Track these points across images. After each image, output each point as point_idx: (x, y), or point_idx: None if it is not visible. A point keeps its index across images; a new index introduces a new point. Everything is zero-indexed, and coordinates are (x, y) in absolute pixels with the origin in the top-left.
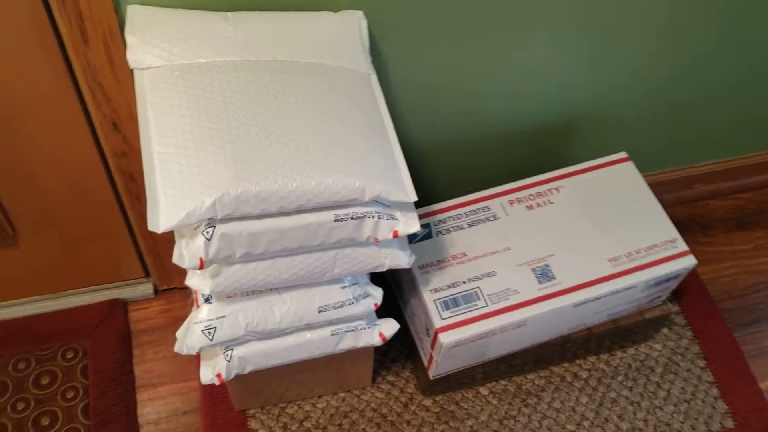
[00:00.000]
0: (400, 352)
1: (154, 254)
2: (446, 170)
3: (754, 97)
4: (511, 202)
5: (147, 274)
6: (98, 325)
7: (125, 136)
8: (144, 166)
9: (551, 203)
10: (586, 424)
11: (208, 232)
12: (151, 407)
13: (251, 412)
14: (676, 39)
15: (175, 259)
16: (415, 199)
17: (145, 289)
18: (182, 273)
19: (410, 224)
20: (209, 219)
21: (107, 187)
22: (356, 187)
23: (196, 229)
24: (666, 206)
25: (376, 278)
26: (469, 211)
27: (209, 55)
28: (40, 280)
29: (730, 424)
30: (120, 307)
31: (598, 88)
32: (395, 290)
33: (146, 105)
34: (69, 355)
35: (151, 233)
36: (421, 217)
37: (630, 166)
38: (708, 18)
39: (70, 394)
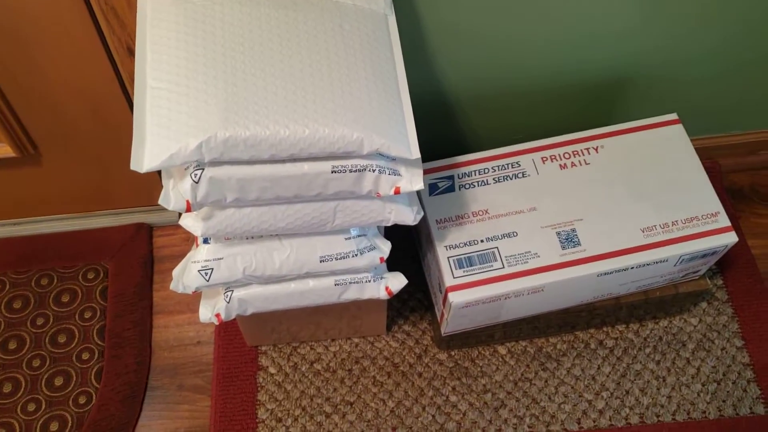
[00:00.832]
0: (420, 302)
1: None
2: (479, 123)
3: None
4: (543, 159)
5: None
6: (121, 247)
7: None
8: (135, 99)
9: (587, 164)
10: (605, 394)
11: (195, 175)
12: (166, 334)
13: (263, 348)
14: None
15: (161, 200)
16: (418, 156)
17: (171, 215)
18: None
19: (414, 181)
20: (197, 161)
21: (127, 111)
22: (353, 139)
23: (186, 170)
24: (726, 172)
25: (400, 226)
26: (497, 166)
27: None
28: (67, 200)
29: (761, 410)
30: (145, 231)
31: (656, 39)
32: (416, 241)
33: (145, 35)
34: (90, 276)
35: None
36: (444, 168)
37: (679, 129)
38: None
39: (87, 314)
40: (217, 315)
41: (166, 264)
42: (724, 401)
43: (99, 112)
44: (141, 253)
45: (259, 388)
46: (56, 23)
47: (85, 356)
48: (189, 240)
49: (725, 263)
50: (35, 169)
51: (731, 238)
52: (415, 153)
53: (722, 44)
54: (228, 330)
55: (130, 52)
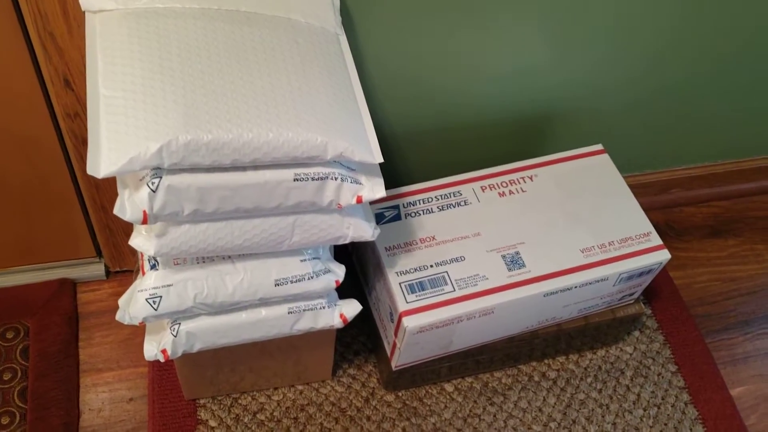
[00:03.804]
0: (364, 345)
1: (107, 231)
2: (420, 156)
3: (734, 103)
4: (483, 189)
5: (99, 254)
6: (44, 305)
7: (78, 95)
8: (88, 111)
9: (524, 191)
10: (552, 425)
11: (153, 183)
12: (94, 393)
13: (202, 401)
14: (653, 37)
15: (117, 210)
16: (381, 160)
17: (96, 269)
18: (135, 254)
19: (376, 189)
20: (155, 168)
21: (58, 151)
22: (318, 142)
23: (141, 180)
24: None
25: (342, 261)
26: (440, 195)
27: (167, 0)
28: None
29: (699, 430)
30: (68, 287)
31: (575, 82)
32: (360, 275)
33: (96, 49)
34: (9, 335)
35: (104, 206)
36: (389, 198)
37: (605, 158)
38: (686, 17)
39: (6, 376)
40: (164, 351)
41: (92, 320)
42: (665, 424)
43: (26, 152)
44: (65, 310)
45: None
46: None
47: (5, 420)
48: (116, 294)
49: (652, 294)
50: None
51: (664, 255)
52: (378, 157)
53: (631, 89)
54: (163, 384)
55: (67, 83)
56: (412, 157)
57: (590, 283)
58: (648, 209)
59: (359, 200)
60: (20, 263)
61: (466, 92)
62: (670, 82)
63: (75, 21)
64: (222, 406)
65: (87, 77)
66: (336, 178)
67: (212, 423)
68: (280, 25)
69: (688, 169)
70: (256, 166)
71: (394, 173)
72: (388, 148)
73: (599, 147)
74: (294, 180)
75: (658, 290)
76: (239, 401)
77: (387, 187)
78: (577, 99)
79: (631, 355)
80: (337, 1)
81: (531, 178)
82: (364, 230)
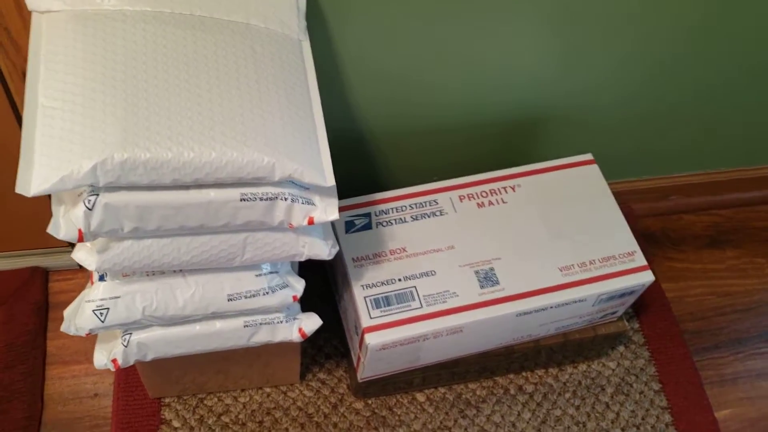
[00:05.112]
0: (336, 349)
1: None
2: (398, 160)
3: (739, 111)
4: (461, 198)
5: (72, 243)
6: (13, 293)
7: None
8: (24, 118)
9: (504, 202)
10: None
11: (89, 201)
12: (60, 386)
13: (167, 400)
14: (653, 43)
15: (50, 229)
16: (333, 183)
17: (69, 258)
18: None
19: (329, 211)
20: (91, 186)
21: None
22: (265, 163)
23: (79, 195)
24: (638, 216)
25: (316, 266)
26: (415, 204)
27: (117, 3)
28: None
29: None
30: (39, 275)
31: (571, 86)
32: (331, 281)
33: (39, 54)
34: None
35: None
36: (360, 206)
37: (594, 169)
38: (686, 26)
39: None
40: (114, 361)
41: (63, 310)
42: None
43: None
44: (35, 299)
45: None
46: None
47: None
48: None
49: (641, 306)
50: None
51: (648, 277)
52: (330, 180)
53: (633, 91)
54: (129, 381)
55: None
56: (390, 160)
57: (567, 304)
58: (645, 215)
59: (311, 222)
60: None
61: (450, 92)
62: (674, 90)
63: (30, 17)
64: (187, 407)
65: (27, 82)
66: (286, 199)
67: (176, 423)
68: (237, 31)
69: (689, 176)
70: (199, 185)
71: (370, 177)
72: (365, 150)
73: (589, 156)
74: (241, 200)
75: (647, 303)
76: (205, 402)
77: (361, 192)
78: (573, 102)
79: (613, 371)
80: (302, 3)
81: (513, 188)
82: (320, 249)
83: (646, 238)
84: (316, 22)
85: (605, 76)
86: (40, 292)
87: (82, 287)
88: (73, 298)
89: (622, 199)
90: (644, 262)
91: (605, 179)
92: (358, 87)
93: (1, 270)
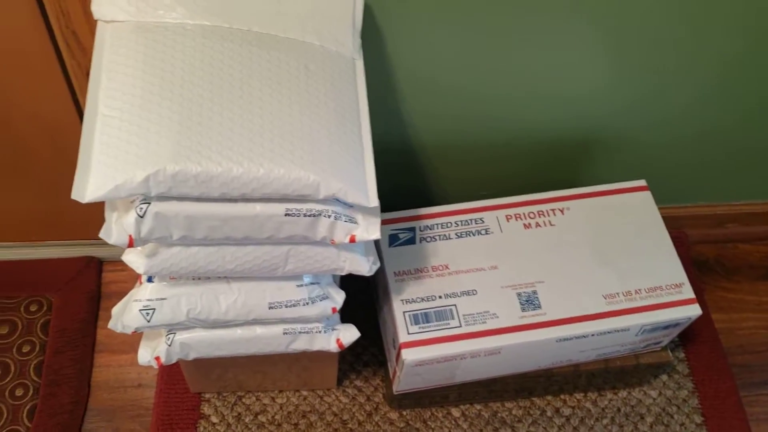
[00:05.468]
0: (375, 357)
1: None
2: (445, 175)
3: None
4: (508, 218)
5: None
6: (69, 281)
7: None
8: (84, 125)
9: (552, 225)
10: None
11: (141, 209)
12: (106, 374)
13: (207, 396)
14: (705, 65)
15: (102, 234)
16: (376, 204)
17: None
18: None
19: (371, 230)
20: (143, 195)
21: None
22: (310, 181)
23: (131, 203)
24: (693, 243)
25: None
26: (461, 221)
27: (179, 16)
28: (15, 227)
29: None
30: (94, 265)
31: (627, 105)
32: (373, 292)
33: (101, 62)
34: (33, 308)
35: None
36: (405, 219)
37: (647, 196)
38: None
39: (26, 348)
40: (157, 358)
41: (114, 300)
42: None
43: (55, 138)
44: (88, 288)
45: None
46: (13, 43)
47: (19, 392)
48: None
49: (688, 336)
50: None
51: (695, 310)
52: (373, 201)
53: (688, 111)
54: (172, 374)
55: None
56: (438, 174)
57: (609, 332)
58: (699, 242)
59: (352, 239)
60: (49, 238)
61: (502, 107)
62: (730, 115)
63: (95, 22)
64: (225, 403)
65: (89, 89)
66: (329, 216)
67: (214, 419)
68: (292, 48)
69: (747, 205)
70: (246, 199)
71: (417, 190)
72: (413, 163)
73: (642, 183)
74: (285, 215)
75: (695, 332)
76: (243, 400)
77: (407, 206)
78: (627, 126)
79: (654, 399)
80: (359, 22)
81: (562, 211)
82: (361, 265)
83: (698, 266)
84: (370, 33)
85: (658, 94)
86: (94, 282)
87: (133, 279)
88: (125, 289)
89: (677, 223)
90: (692, 295)
91: (658, 203)
92: (410, 100)
93: (59, 258)
